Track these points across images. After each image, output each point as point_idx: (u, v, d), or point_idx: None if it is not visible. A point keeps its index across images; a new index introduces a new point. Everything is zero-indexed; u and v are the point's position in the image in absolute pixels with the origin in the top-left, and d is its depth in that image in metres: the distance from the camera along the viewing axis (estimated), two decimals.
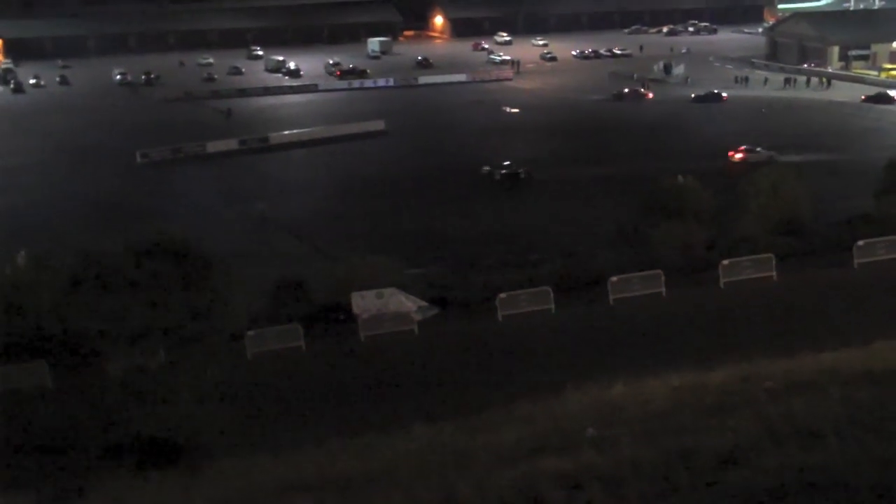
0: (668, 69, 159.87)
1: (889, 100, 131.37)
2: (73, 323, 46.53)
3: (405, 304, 53.02)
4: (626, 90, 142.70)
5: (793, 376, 28.59)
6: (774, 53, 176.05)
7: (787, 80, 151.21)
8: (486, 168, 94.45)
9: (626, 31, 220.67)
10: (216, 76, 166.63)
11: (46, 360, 46.22)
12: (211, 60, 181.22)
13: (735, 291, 52.66)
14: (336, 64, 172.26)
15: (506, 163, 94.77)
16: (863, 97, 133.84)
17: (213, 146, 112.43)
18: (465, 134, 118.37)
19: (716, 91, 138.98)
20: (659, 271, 53.63)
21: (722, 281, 53.73)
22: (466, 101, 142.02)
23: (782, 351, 35.51)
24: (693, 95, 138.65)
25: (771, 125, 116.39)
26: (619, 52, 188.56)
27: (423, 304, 53.95)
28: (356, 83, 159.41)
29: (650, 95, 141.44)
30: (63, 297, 47.82)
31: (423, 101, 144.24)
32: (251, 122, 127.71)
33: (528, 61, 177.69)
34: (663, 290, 52.92)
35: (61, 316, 47.21)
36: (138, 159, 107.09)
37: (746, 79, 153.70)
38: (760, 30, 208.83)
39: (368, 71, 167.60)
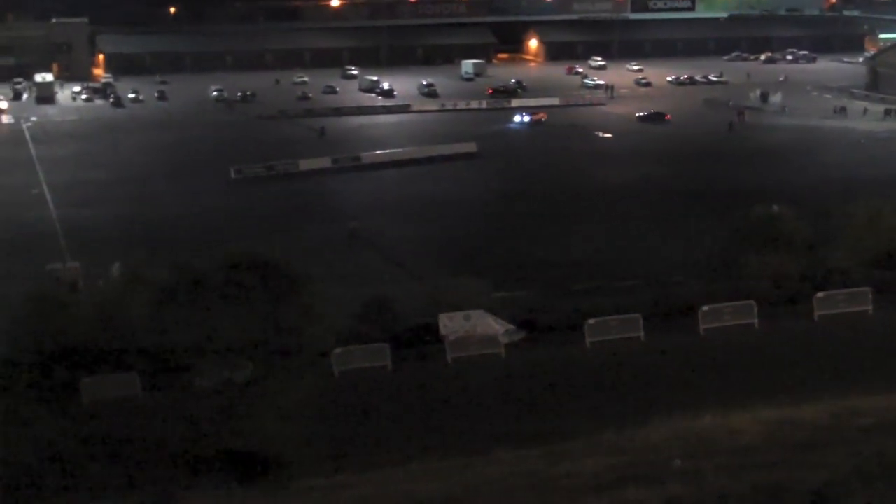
0: (764, 97, 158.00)
1: None
2: (165, 336, 47.13)
3: (493, 326, 52.84)
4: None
5: (887, 414, 27.94)
6: (875, 84, 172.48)
7: (887, 112, 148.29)
8: None
9: (726, 57, 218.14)
10: (311, 95, 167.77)
11: (137, 372, 46.91)
12: (306, 79, 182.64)
13: (830, 325, 51.51)
14: (430, 84, 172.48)
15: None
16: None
17: (306, 164, 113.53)
18: (558, 157, 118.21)
19: (660, 111, 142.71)
20: (751, 302, 52.79)
21: (816, 314, 52.72)
22: (559, 124, 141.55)
23: (877, 388, 34.70)
24: (637, 115, 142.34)
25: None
26: (714, 78, 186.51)
27: (511, 327, 53.69)
28: (449, 104, 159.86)
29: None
30: (155, 309, 48.47)
31: None
32: (344, 141, 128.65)
33: (621, 86, 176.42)
34: (756, 321, 52.13)
35: (153, 328, 47.85)
36: (232, 175, 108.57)
37: (844, 109, 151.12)
38: (861, 59, 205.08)
39: (519, 91, 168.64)
